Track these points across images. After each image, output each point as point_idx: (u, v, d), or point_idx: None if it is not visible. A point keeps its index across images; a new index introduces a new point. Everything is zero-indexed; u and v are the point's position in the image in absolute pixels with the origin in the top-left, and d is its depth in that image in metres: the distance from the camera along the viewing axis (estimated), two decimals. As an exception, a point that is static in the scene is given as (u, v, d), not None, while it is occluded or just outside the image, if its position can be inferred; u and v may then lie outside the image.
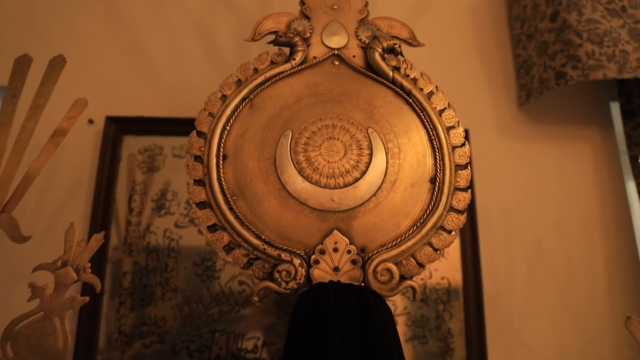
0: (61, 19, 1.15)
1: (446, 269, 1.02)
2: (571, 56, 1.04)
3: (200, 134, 0.69)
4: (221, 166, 0.67)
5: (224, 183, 0.66)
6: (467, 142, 0.72)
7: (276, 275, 0.63)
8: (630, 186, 1.13)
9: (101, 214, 0.99)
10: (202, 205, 0.66)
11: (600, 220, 1.11)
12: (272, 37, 0.77)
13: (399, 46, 0.76)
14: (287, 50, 0.76)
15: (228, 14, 1.17)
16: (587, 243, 1.09)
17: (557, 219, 1.10)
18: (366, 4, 0.81)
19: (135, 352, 0.95)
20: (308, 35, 0.76)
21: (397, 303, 0.99)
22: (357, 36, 0.77)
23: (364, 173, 0.68)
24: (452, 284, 1.01)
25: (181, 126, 1.05)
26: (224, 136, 0.68)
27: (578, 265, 1.08)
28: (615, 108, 1.19)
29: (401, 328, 0.98)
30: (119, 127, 1.06)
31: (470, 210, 1.05)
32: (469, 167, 0.71)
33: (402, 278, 0.65)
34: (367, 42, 0.76)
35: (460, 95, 1.18)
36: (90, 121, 1.08)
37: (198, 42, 1.16)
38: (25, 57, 0.79)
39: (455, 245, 1.04)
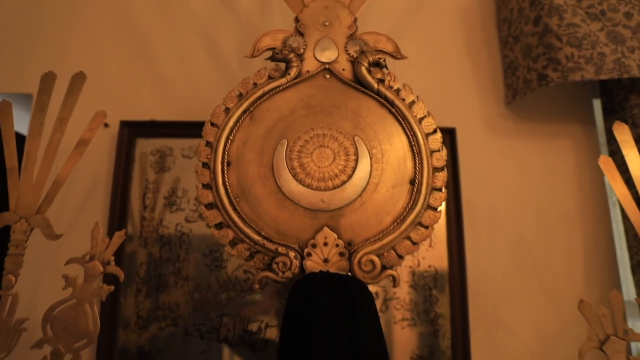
0: (78, 33, 1.26)
1: (433, 257, 1.13)
2: (552, 59, 1.12)
3: (207, 143, 0.80)
4: (226, 172, 0.77)
5: (228, 187, 0.77)
6: (443, 147, 0.81)
7: (274, 266, 0.74)
8: (607, 183, 1.21)
9: (118, 211, 1.11)
10: (209, 206, 0.77)
11: (579, 212, 1.20)
12: (270, 53, 0.86)
13: (384, 60, 0.86)
14: (283, 64, 0.86)
15: (231, 24, 1.27)
16: (566, 233, 1.19)
17: (539, 211, 1.20)
18: (355, 20, 0.90)
19: (152, 334, 1.07)
20: (302, 51, 0.86)
21: (387, 289, 1.10)
22: (347, 51, 0.87)
23: (350, 176, 0.78)
24: (439, 271, 1.12)
25: (189, 129, 1.16)
26: (228, 145, 0.79)
27: (557, 254, 1.18)
28: (597, 105, 1.28)
29: (391, 311, 1.09)
30: (133, 131, 1.17)
31: (456, 203, 1.16)
32: (445, 169, 0.81)
33: (384, 268, 0.76)
34: (355, 56, 0.86)
35: (449, 93, 1.28)
36: (106, 125, 1.19)
37: (204, 51, 1.26)
38: (50, 74, 0.90)
39: (442, 235, 1.14)
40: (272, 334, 1.06)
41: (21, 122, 1.23)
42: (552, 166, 1.24)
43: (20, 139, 1.23)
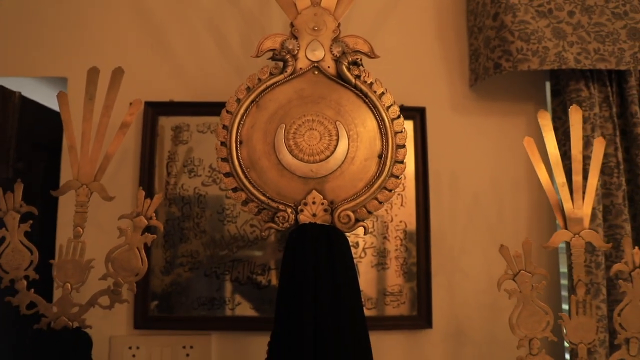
0: (104, 26, 1.50)
1: (404, 215, 1.43)
2: (505, 51, 1.38)
3: (224, 126, 1.07)
4: (239, 149, 1.05)
5: (240, 160, 1.05)
6: (405, 130, 1.09)
7: (276, 219, 1.03)
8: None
9: (146, 177, 1.39)
10: (227, 174, 1.05)
11: (527, 178, 1.49)
12: (271, 53, 1.12)
13: (360, 59, 1.12)
14: (281, 63, 1.11)
15: (236, 18, 1.51)
16: (515, 196, 1.49)
17: (493, 178, 1.49)
18: (338, 25, 1.15)
19: (177, 275, 1.38)
20: (296, 52, 1.11)
21: (367, 240, 1.41)
22: (331, 51, 1.12)
23: (332, 152, 1.06)
24: (408, 226, 1.42)
25: (202, 108, 1.44)
26: (240, 128, 1.06)
27: (506, 213, 1.48)
28: (548, 88, 1.54)
29: (369, 258, 1.40)
30: (155, 110, 1.43)
31: (424, 170, 1.44)
32: (405, 146, 1.09)
33: (357, 220, 1.05)
34: (338, 56, 1.12)
35: (422, 76, 1.54)
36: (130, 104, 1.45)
37: (213, 41, 1.50)
38: (94, 69, 1.16)
39: (412, 197, 1.43)
40: (273, 275, 1.37)
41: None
42: (507, 140, 1.51)
43: (60, 117, 1.51)
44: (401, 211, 1.43)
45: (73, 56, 1.49)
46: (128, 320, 1.37)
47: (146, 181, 1.39)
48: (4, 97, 1.34)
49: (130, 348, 1.35)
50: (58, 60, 1.49)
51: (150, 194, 1.37)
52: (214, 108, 1.41)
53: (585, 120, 1.38)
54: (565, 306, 1.42)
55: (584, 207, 1.08)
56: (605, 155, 1.38)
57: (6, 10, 1.49)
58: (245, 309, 1.38)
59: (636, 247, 1.06)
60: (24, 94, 1.41)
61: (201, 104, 1.44)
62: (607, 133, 1.41)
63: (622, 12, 1.40)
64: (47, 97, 1.54)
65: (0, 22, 1.49)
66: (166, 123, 1.44)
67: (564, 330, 1.05)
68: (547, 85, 1.55)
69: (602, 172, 1.38)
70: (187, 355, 1.36)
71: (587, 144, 1.35)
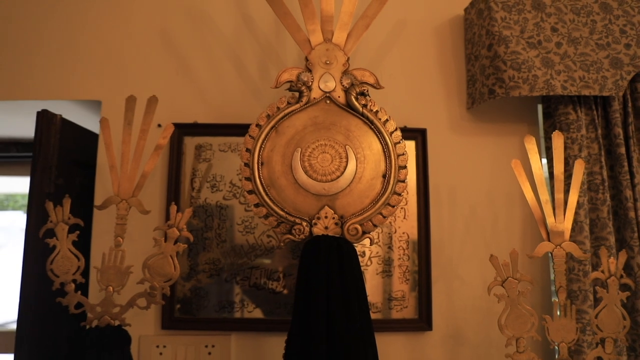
0: (133, 53, 1.68)
1: (407, 226, 1.59)
2: (499, 78, 1.54)
3: (247, 149, 1.24)
4: (260, 169, 1.22)
5: (262, 179, 1.22)
6: (406, 152, 1.25)
7: (293, 231, 1.19)
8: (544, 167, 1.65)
9: (173, 192, 1.56)
10: (250, 192, 1.22)
11: (520, 194, 1.63)
12: (288, 85, 1.29)
13: (367, 90, 1.29)
14: (297, 93, 1.28)
15: (253, 45, 1.69)
16: (509, 210, 1.64)
17: (489, 193, 1.65)
18: (347, 59, 1.32)
19: (197, 281, 1.54)
20: (310, 83, 1.28)
21: (373, 249, 1.57)
22: (342, 83, 1.29)
23: (342, 173, 1.23)
24: (410, 236, 1.58)
25: (223, 129, 1.61)
26: (261, 151, 1.23)
27: (501, 224, 1.63)
28: (540, 110, 1.70)
29: (374, 266, 1.56)
30: (180, 130, 1.61)
31: (425, 186, 1.60)
32: (407, 167, 1.25)
33: (364, 233, 1.21)
34: (347, 87, 1.29)
35: (423, 100, 1.71)
36: (159, 125, 1.62)
37: (232, 66, 1.68)
38: (132, 97, 1.33)
39: (414, 210, 1.59)
40: (289, 281, 1.54)
41: (94, 124, 1.68)
42: (501, 158, 1.67)
43: (94, 138, 1.69)
44: (404, 223, 1.59)
45: (106, 81, 1.67)
46: (156, 321, 1.54)
47: (173, 195, 1.56)
48: (47, 119, 1.52)
49: (157, 347, 1.52)
50: (93, 85, 1.67)
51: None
52: (233, 129, 1.60)
53: (573, 141, 1.54)
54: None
55: (565, 222, 1.23)
56: (591, 173, 1.55)
57: (49, 40, 1.68)
58: (261, 312, 1.54)
59: (612, 257, 1.22)
60: (61, 114, 1.59)
61: (222, 125, 1.61)
62: (593, 153, 1.56)
63: (605, 43, 1.56)
64: (81, 118, 1.73)
65: (43, 50, 1.67)
66: (190, 142, 1.61)
67: (547, 331, 1.20)
68: (539, 108, 1.71)
69: (589, 188, 1.54)
70: (209, 353, 1.52)
71: (574, 163, 1.50)
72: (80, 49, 1.69)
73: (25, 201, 3.03)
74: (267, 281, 1.55)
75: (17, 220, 3.10)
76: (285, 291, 1.54)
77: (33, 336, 1.42)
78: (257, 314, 1.54)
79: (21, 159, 2.57)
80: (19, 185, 2.96)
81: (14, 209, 3.13)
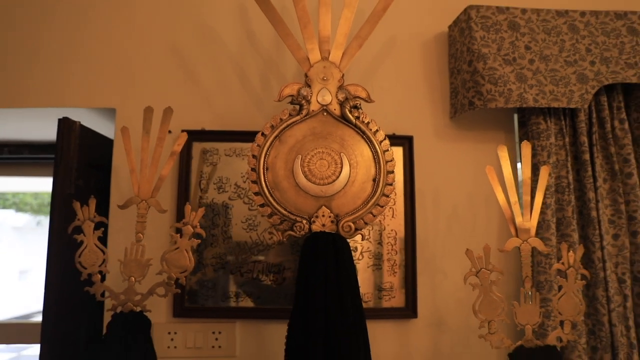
0: (145, 64, 1.85)
1: (395, 224, 1.78)
2: (477, 92, 1.74)
3: (253, 156, 1.42)
4: (265, 173, 1.40)
5: (267, 182, 1.40)
6: (393, 159, 1.44)
7: (294, 228, 1.38)
8: (519, 170, 1.85)
9: (183, 193, 1.74)
10: (256, 194, 1.40)
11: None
12: (289, 98, 1.47)
13: (360, 103, 1.47)
14: (297, 106, 1.46)
15: (256, 58, 1.87)
16: (487, 210, 1.84)
17: (469, 195, 1.84)
18: (342, 75, 1.50)
19: (202, 274, 1.72)
20: (309, 97, 1.46)
21: (364, 245, 1.75)
22: (337, 97, 1.47)
23: (337, 177, 1.41)
24: (398, 233, 1.77)
25: (229, 135, 1.79)
26: (266, 157, 1.41)
27: (480, 224, 1.83)
28: (516, 119, 1.90)
29: (365, 260, 1.75)
30: (190, 136, 1.78)
31: (411, 188, 1.79)
32: (394, 172, 1.44)
33: (357, 230, 1.40)
34: (342, 101, 1.47)
35: (410, 110, 1.90)
36: (169, 132, 1.80)
37: (236, 77, 1.86)
38: (149, 108, 1.51)
39: (401, 210, 1.78)
40: (288, 274, 1.72)
41: (109, 130, 1.85)
42: (481, 162, 1.85)
43: (108, 142, 1.85)
44: (392, 222, 1.78)
45: (120, 89, 1.84)
46: (168, 310, 1.71)
47: (183, 196, 1.73)
48: (68, 126, 1.68)
49: (169, 333, 1.70)
50: (108, 93, 1.84)
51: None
52: (238, 135, 1.78)
53: (542, 148, 1.74)
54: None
55: (531, 220, 1.43)
56: (559, 177, 1.75)
57: (69, 52, 1.85)
58: (262, 302, 1.72)
59: (571, 251, 1.42)
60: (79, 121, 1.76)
61: (228, 132, 1.79)
62: (561, 158, 1.76)
63: (572, 61, 1.76)
64: (96, 124, 1.89)
65: (63, 62, 1.84)
66: (199, 147, 1.79)
67: (515, 315, 1.40)
68: (515, 117, 1.91)
69: (556, 190, 1.74)
70: (216, 339, 1.70)
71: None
72: (97, 61, 1.85)
73: (17, 199, 3.17)
74: (268, 274, 1.73)
75: (8, 219, 3.23)
76: (284, 283, 1.72)
77: (57, 326, 1.59)
78: (259, 303, 1.72)
79: (21, 159, 2.67)
80: (9, 184, 3.07)
81: (4, 207, 3.27)
